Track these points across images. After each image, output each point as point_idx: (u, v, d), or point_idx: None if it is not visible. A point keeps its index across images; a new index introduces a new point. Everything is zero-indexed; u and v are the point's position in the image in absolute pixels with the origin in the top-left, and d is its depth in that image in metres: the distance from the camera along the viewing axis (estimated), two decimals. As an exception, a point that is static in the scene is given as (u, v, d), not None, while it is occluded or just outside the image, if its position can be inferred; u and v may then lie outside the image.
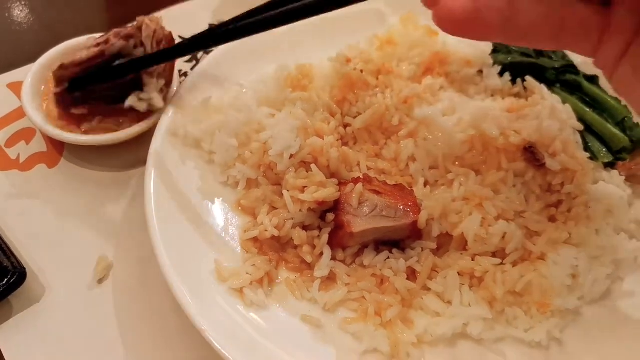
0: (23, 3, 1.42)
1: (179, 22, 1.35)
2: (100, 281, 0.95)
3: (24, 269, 0.92)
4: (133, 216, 1.03)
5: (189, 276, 0.86)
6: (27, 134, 1.14)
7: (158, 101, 1.03)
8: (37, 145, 1.13)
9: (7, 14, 1.39)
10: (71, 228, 1.02)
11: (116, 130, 1.06)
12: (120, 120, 1.08)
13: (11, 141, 1.13)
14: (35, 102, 1.09)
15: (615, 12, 0.66)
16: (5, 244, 0.95)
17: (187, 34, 1.30)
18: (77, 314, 0.92)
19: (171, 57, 1.05)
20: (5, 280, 0.89)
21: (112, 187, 1.08)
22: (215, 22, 1.39)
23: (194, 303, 0.82)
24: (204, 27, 1.38)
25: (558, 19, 0.67)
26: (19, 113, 1.17)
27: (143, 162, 1.06)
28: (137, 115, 1.07)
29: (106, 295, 0.94)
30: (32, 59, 1.26)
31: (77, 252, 0.98)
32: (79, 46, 1.09)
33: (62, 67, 1.01)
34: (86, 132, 1.06)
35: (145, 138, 1.06)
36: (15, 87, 1.21)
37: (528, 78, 1.10)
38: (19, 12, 1.40)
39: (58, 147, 1.12)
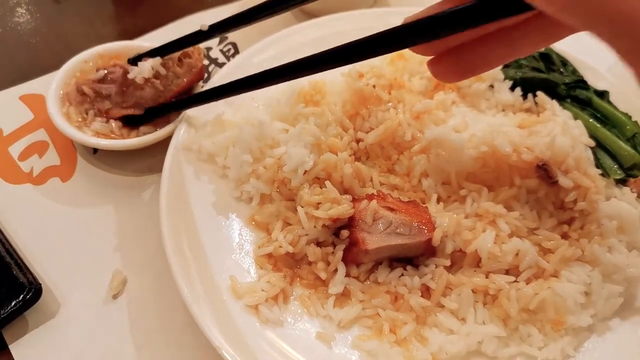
0: (35, 16, 1.42)
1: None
2: (115, 296, 0.96)
3: (40, 284, 0.92)
4: (147, 230, 1.04)
5: (205, 292, 0.87)
6: (40, 147, 1.15)
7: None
8: (51, 158, 1.13)
9: (19, 27, 1.40)
10: (85, 242, 1.02)
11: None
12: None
13: (24, 154, 1.14)
14: (60, 109, 1.10)
15: None
16: (21, 259, 0.95)
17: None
18: (92, 330, 0.92)
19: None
20: (22, 296, 0.89)
21: (125, 200, 1.08)
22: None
23: (210, 320, 0.83)
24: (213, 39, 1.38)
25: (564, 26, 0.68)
26: (32, 126, 1.18)
27: (155, 171, 1.08)
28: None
29: (121, 310, 0.94)
30: (43, 71, 1.28)
31: (92, 266, 0.99)
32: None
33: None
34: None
35: (157, 148, 1.08)
36: (28, 100, 1.22)
37: (539, 93, 1.10)
38: (31, 25, 1.41)
39: (71, 161, 1.13)
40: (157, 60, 1.09)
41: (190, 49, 1.12)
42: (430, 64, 0.73)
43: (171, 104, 1.08)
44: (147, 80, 1.08)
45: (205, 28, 1.04)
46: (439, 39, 0.66)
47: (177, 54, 1.10)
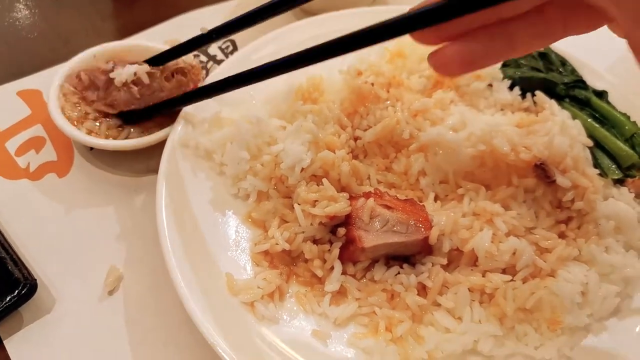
0: (34, 11, 1.42)
1: (186, 31, 1.36)
2: (110, 292, 0.96)
3: (35, 280, 0.92)
4: (143, 226, 1.04)
5: (201, 289, 0.86)
6: (37, 143, 1.14)
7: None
8: (47, 154, 1.13)
9: (17, 22, 1.39)
10: (81, 238, 1.02)
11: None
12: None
13: (21, 150, 1.13)
14: (60, 107, 1.09)
15: None
16: (17, 254, 0.95)
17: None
18: (87, 326, 0.92)
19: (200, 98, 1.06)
20: (17, 291, 0.89)
21: (122, 197, 1.08)
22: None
23: (206, 317, 0.83)
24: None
25: (560, 26, 0.70)
26: (29, 121, 1.18)
27: (153, 171, 1.07)
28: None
29: (117, 306, 0.94)
30: (41, 66, 1.28)
31: (88, 262, 0.99)
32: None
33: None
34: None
35: (155, 148, 1.07)
36: (26, 95, 1.22)
37: (538, 93, 1.10)
38: (29, 21, 1.40)
39: (68, 157, 1.13)
40: (144, 67, 1.09)
41: (189, 67, 1.12)
42: (432, 56, 0.73)
43: (166, 102, 1.08)
44: (125, 84, 1.08)
45: (205, 31, 1.05)
46: (443, 24, 0.66)
47: (173, 67, 1.11)
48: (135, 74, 1.08)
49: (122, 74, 1.08)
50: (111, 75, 1.08)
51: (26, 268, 0.93)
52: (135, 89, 1.08)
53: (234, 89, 0.96)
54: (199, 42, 1.08)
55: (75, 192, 1.08)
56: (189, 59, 1.16)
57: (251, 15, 0.99)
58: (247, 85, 0.94)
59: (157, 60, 1.12)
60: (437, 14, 0.65)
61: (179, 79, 1.11)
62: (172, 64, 1.13)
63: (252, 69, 0.91)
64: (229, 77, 0.96)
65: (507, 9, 0.68)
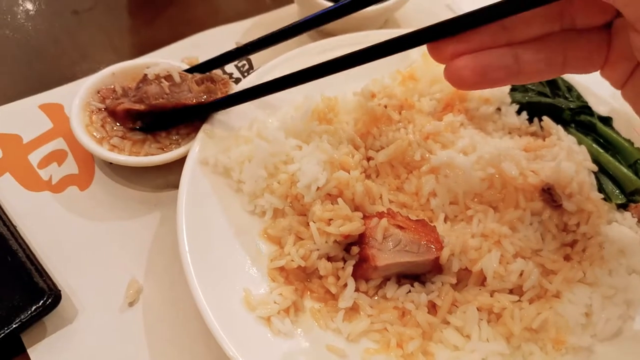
0: (54, 26, 1.46)
1: (205, 48, 1.41)
2: (131, 304, 0.99)
3: (59, 290, 0.95)
4: (163, 240, 1.07)
5: (219, 303, 0.89)
6: (59, 156, 1.18)
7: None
8: (69, 167, 1.16)
9: (39, 37, 1.43)
10: (102, 251, 1.05)
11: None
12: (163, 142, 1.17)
13: (43, 162, 1.16)
14: (83, 124, 1.13)
15: (617, 41, 0.71)
16: (41, 265, 0.98)
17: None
18: (108, 336, 0.95)
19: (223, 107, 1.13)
20: (42, 301, 0.92)
21: (141, 211, 1.11)
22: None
23: (224, 330, 0.86)
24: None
25: (561, 59, 0.73)
26: (51, 134, 1.21)
27: (172, 186, 1.11)
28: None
29: (137, 317, 0.97)
30: (61, 81, 1.31)
31: (109, 274, 1.02)
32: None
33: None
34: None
35: (174, 163, 1.10)
36: (47, 109, 1.25)
37: (545, 119, 1.14)
38: (50, 35, 1.44)
39: (89, 170, 1.16)
40: (177, 67, 1.14)
41: (219, 77, 1.17)
42: (446, 68, 0.77)
43: (192, 107, 1.11)
44: (156, 77, 1.12)
45: (240, 45, 1.12)
46: (457, 41, 0.74)
47: (204, 74, 1.15)
48: (167, 70, 1.12)
49: (155, 69, 1.12)
50: (145, 71, 1.12)
51: (50, 279, 0.96)
52: (165, 83, 1.11)
53: (261, 96, 1.05)
54: (234, 55, 1.14)
55: (96, 205, 1.11)
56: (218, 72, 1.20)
57: (275, 36, 1.09)
58: (272, 93, 1.04)
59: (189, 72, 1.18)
60: (450, 27, 0.74)
61: (208, 86, 1.14)
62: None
63: (280, 77, 1.00)
64: (256, 86, 1.04)
65: (517, 32, 0.74)
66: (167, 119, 1.13)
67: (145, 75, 1.13)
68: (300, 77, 0.98)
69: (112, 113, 1.14)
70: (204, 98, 1.12)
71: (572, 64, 0.76)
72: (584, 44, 0.74)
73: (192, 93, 1.13)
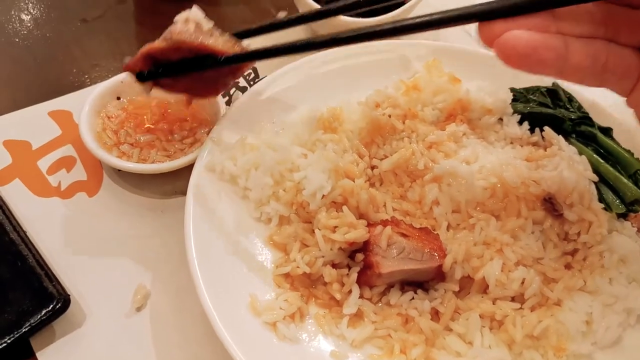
0: (63, 33, 1.48)
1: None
2: (138, 309, 1.00)
3: (68, 295, 0.96)
4: (170, 246, 1.08)
5: (226, 309, 0.90)
6: (67, 162, 1.19)
7: None
8: (78, 173, 1.18)
9: (48, 44, 1.45)
10: (110, 256, 1.06)
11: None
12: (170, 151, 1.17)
13: (52, 169, 1.18)
14: (93, 130, 1.14)
15: None
16: (51, 270, 0.99)
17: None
18: (116, 340, 0.97)
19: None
20: (51, 306, 0.93)
21: (149, 217, 1.13)
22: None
23: (231, 335, 0.87)
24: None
25: (604, 61, 0.75)
26: (60, 141, 1.23)
27: (179, 193, 1.13)
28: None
29: (144, 323, 0.99)
30: (72, 88, 1.34)
31: (116, 279, 1.03)
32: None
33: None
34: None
35: (180, 170, 1.12)
36: (56, 115, 1.27)
37: (547, 129, 1.15)
38: (59, 42, 1.46)
39: (98, 177, 1.18)
40: (209, 22, 1.04)
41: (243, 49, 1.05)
42: (497, 41, 0.74)
43: (210, 57, 1.02)
44: (187, 20, 1.03)
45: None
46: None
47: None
48: (197, 20, 1.03)
49: (191, 13, 1.04)
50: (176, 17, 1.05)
51: (60, 284, 0.98)
52: (192, 25, 1.03)
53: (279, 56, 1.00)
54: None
55: (104, 211, 1.13)
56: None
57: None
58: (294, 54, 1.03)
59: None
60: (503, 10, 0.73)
61: (232, 43, 1.04)
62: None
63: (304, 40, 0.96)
64: (274, 46, 0.98)
65: (566, 25, 0.74)
66: (185, 65, 1.04)
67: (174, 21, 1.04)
68: (328, 42, 0.94)
69: (132, 67, 1.07)
70: (224, 51, 1.02)
71: (610, 74, 0.76)
72: (624, 57, 0.75)
73: (213, 39, 1.03)
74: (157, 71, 1.06)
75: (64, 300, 0.95)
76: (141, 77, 1.07)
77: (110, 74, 1.27)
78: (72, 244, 1.07)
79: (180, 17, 1.04)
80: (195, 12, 1.05)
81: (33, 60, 1.41)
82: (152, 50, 1.03)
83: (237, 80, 1.35)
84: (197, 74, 1.05)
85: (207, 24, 1.04)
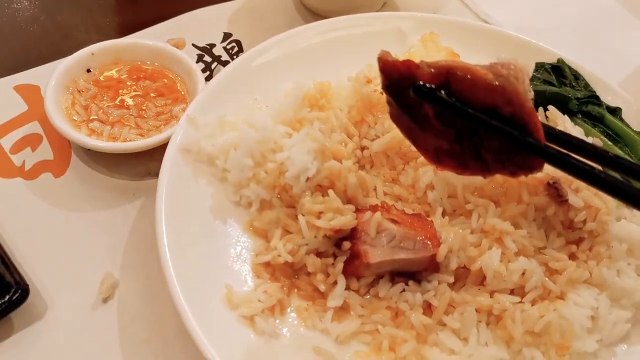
0: (34, 3, 1.39)
1: (191, 29, 1.34)
2: (105, 300, 0.93)
3: (27, 285, 0.89)
4: (141, 231, 1.02)
5: (199, 301, 0.84)
6: (33, 140, 1.12)
7: None
8: (44, 152, 1.10)
9: (16, 14, 1.36)
10: (76, 242, 1.00)
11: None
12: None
13: (16, 147, 1.11)
14: (62, 106, 1.08)
15: None
16: (8, 257, 0.92)
17: (200, 42, 1.31)
18: (79, 334, 0.90)
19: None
20: (8, 296, 0.86)
21: (119, 200, 1.05)
22: (228, 31, 1.37)
23: (203, 330, 0.80)
24: (217, 34, 1.36)
25: None
26: (25, 117, 1.15)
27: (152, 174, 1.06)
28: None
29: (111, 315, 0.92)
30: (39, 61, 1.25)
31: (82, 267, 0.96)
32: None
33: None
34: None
35: (155, 150, 1.05)
36: (23, 90, 1.20)
37: (551, 108, 1.08)
38: (29, 13, 1.37)
39: (65, 156, 1.10)
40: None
41: None
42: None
43: None
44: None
45: None
46: None
47: None
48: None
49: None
50: None
51: (18, 272, 0.90)
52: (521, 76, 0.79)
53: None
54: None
55: (71, 193, 1.05)
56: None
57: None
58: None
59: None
60: None
61: None
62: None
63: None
64: None
65: None
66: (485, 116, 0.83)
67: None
68: None
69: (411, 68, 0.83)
70: None
71: None
72: None
73: None
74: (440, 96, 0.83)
75: (22, 290, 0.88)
76: (419, 90, 0.85)
77: (82, 46, 1.18)
78: (35, 229, 1.00)
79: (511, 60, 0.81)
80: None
81: (-1, 32, 1.32)
82: (463, 70, 0.78)
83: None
84: (477, 137, 0.83)
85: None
